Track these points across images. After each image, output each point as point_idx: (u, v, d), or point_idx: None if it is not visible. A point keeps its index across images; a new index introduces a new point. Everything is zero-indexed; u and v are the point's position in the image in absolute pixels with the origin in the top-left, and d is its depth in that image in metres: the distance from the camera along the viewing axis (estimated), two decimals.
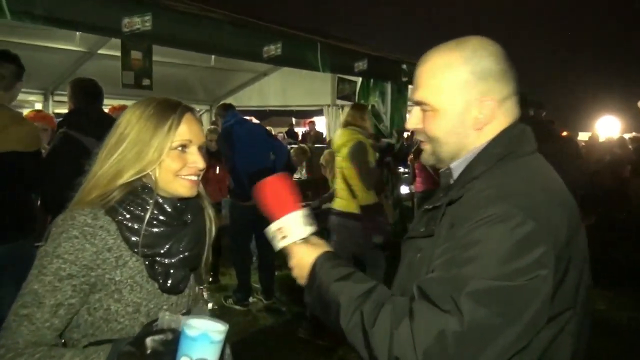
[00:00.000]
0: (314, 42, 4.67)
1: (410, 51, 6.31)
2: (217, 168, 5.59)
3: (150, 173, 1.23)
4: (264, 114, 12.03)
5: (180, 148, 1.25)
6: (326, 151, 5.81)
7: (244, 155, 4.55)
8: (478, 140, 1.13)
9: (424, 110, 1.16)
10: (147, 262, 1.23)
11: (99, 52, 6.46)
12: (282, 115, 14.30)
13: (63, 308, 1.13)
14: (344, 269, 1.12)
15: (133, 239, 1.20)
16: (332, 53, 4.85)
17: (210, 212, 1.40)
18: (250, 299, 4.86)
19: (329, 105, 9.07)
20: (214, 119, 6.64)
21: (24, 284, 1.14)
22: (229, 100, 9.72)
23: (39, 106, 7.70)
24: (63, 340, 1.20)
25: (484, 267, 0.94)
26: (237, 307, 4.76)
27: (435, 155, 1.19)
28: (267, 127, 5.62)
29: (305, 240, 1.21)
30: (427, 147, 1.20)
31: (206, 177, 5.56)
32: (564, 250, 0.99)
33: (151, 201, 1.22)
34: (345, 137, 3.98)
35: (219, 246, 5.40)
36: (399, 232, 5.84)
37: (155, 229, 1.22)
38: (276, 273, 5.04)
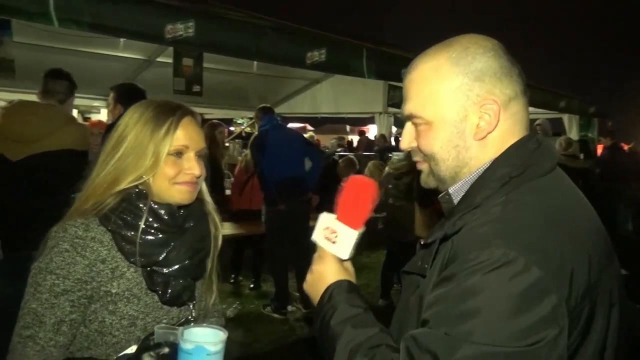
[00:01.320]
0: (359, 47, 4.61)
1: None
2: None
3: (146, 179, 1.20)
4: (317, 121, 12.11)
5: (176, 154, 1.21)
6: (370, 162, 5.70)
7: (274, 160, 4.58)
8: (483, 154, 0.96)
9: (416, 125, 1.02)
10: (145, 273, 1.19)
11: (157, 59, 6.76)
12: (335, 122, 14.34)
13: (65, 324, 1.11)
14: (353, 309, 1.01)
15: (128, 248, 1.16)
16: (379, 59, 4.76)
17: (215, 217, 1.35)
18: (289, 308, 4.83)
19: (380, 113, 8.99)
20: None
21: (22, 303, 1.13)
22: (282, 107, 9.90)
23: (104, 111, 8.16)
24: None
25: (477, 327, 0.78)
26: (275, 315, 4.74)
27: (435, 175, 1.02)
28: (320, 135, 5.63)
29: (341, 260, 1.12)
30: (424, 167, 1.04)
31: (252, 184, 5.65)
32: (584, 298, 0.83)
33: (145, 208, 1.18)
34: None
35: (261, 252, 5.45)
36: None
37: (150, 237, 1.18)
38: None
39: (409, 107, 1.02)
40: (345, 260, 1.12)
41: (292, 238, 4.62)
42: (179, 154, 1.21)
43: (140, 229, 1.17)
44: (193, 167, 1.22)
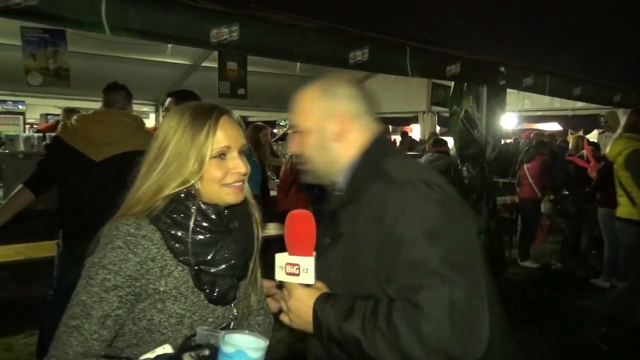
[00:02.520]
0: (402, 46, 4.55)
1: (509, 52, 5.92)
2: None
3: (193, 183, 1.21)
4: None
5: (219, 156, 1.22)
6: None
7: None
8: (347, 150, 1.32)
9: (295, 134, 1.38)
10: (192, 272, 1.20)
11: (202, 64, 6.91)
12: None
13: (110, 319, 1.13)
14: (343, 304, 1.17)
15: (177, 246, 1.18)
16: (423, 57, 4.68)
17: (257, 217, 1.36)
18: None
19: (424, 112, 8.87)
20: None
21: (73, 295, 1.15)
22: None
23: (152, 116, 8.43)
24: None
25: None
26: None
27: (313, 172, 1.38)
28: None
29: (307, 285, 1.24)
30: (303, 167, 1.39)
31: (298, 186, 5.68)
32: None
33: (194, 208, 1.20)
34: (621, 145, 4.11)
35: None
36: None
37: (199, 236, 1.19)
38: None
39: (292, 120, 1.40)
40: (311, 285, 1.23)
41: None
42: (222, 155, 1.22)
43: (190, 228, 1.18)
44: (238, 166, 1.24)
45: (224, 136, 1.22)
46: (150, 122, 8.07)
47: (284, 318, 1.27)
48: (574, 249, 6.62)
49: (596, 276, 6.04)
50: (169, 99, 3.27)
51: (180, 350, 1.09)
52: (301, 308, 1.22)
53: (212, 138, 1.20)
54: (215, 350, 1.07)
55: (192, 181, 1.20)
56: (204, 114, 1.22)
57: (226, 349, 1.04)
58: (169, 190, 1.20)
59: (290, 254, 1.22)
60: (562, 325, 4.69)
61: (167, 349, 1.14)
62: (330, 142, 1.32)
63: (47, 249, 3.83)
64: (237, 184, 1.24)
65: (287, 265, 1.21)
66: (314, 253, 1.22)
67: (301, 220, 1.21)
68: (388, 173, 1.22)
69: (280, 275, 1.23)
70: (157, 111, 8.32)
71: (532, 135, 9.51)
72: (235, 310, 1.31)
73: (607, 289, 5.72)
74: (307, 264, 1.20)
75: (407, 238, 1.11)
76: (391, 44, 4.56)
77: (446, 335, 1.02)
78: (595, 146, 6.84)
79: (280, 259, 1.23)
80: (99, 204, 2.45)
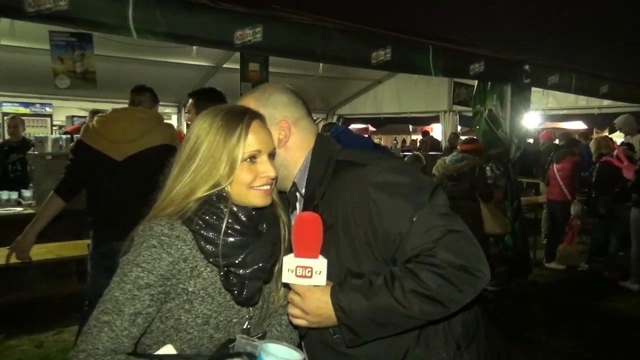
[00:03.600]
0: (425, 45, 4.51)
1: (533, 50, 5.82)
2: None
3: (224, 186, 1.22)
4: (379, 122, 11.98)
5: (250, 159, 1.23)
6: (438, 161, 5.56)
7: None
8: (292, 156, 1.39)
9: None
10: (222, 273, 1.21)
11: (224, 66, 6.97)
12: (398, 122, 14.14)
13: (141, 317, 1.14)
14: (358, 286, 1.22)
15: (208, 248, 1.19)
16: (446, 56, 4.64)
17: (285, 220, 1.37)
18: None
19: (445, 112, 8.78)
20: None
21: (106, 290, 1.17)
22: (344, 109, 9.89)
23: (174, 118, 8.54)
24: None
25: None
26: None
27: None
28: (380, 136, 5.57)
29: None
30: None
31: None
32: None
33: (226, 210, 1.21)
34: None
35: None
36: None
37: (231, 239, 1.21)
38: None
39: None
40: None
41: None
42: (252, 158, 1.23)
43: (222, 230, 1.19)
44: (268, 170, 1.24)
45: (255, 140, 1.23)
46: (172, 123, 8.18)
47: (299, 322, 1.26)
48: (602, 251, 6.47)
49: (624, 278, 5.90)
50: (190, 100, 3.31)
51: (219, 356, 1.11)
52: (320, 306, 1.22)
53: (243, 141, 1.21)
54: (253, 358, 1.09)
55: (224, 184, 1.22)
56: (236, 118, 1.24)
57: (267, 358, 1.07)
58: (201, 192, 1.21)
59: (298, 256, 1.21)
60: (588, 328, 4.60)
61: (169, 349, 1.16)
62: (277, 149, 1.36)
63: (77, 248, 3.92)
64: (265, 187, 1.25)
65: (298, 268, 1.20)
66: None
67: (311, 223, 1.21)
68: (352, 161, 1.32)
69: (289, 278, 1.22)
70: (179, 112, 8.43)
71: (556, 134, 9.31)
72: (253, 312, 1.31)
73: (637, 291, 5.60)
74: (321, 266, 1.21)
75: (411, 205, 1.22)
76: (414, 43, 4.53)
77: (471, 259, 1.19)
78: (629, 146, 6.66)
79: (289, 262, 1.21)
80: (125, 204, 2.51)
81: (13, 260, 2.93)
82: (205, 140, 1.22)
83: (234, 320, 1.25)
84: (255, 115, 1.27)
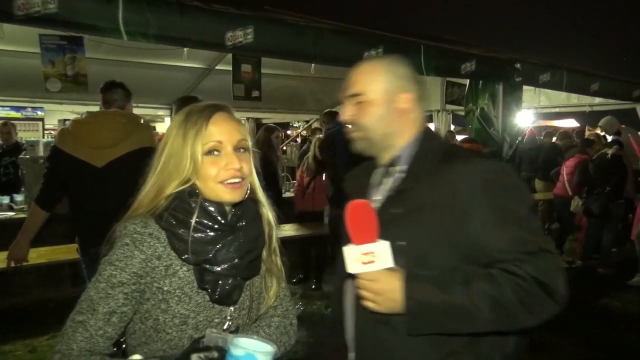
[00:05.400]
0: (416, 44, 4.54)
1: (525, 49, 5.85)
2: (324, 176, 5.66)
3: (193, 182, 1.21)
4: None
5: (212, 152, 1.20)
6: None
7: (346, 161, 4.54)
8: (408, 129, 1.38)
9: (357, 103, 1.38)
10: (196, 271, 1.19)
11: (217, 67, 6.94)
12: None
13: (116, 316, 1.13)
14: (434, 279, 1.21)
15: (179, 245, 1.17)
16: (437, 55, 4.66)
17: (270, 217, 1.34)
18: None
19: (438, 111, 8.78)
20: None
21: (83, 292, 1.16)
22: (338, 109, 9.86)
23: (167, 120, 8.50)
24: (124, 346, 1.23)
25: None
26: None
27: (366, 140, 1.40)
28: None
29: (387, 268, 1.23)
30: (358, 135, 1.41)
31: (314, 186, 5.69)
32: None
33: (195, 205, 1.19)
34: None
35: (324, 254, 5.46)
36: None
37: (200, 234, 1.17)
38: None
39: (355, 88, 1.39)
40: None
41: None
42: (215, 151, 1.20)
43: (192, 227, 1.17)
44: (231, 162, 1.20)
45: (216, 131, 1.20)
46: (164, 126, 8.14)
47: (369, 304, 1.25)
48: (596, 248, 6.51)
49: (618, 275, 5.94)
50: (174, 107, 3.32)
51: (188, 351, 1.09)
52: (391, 288, 1.21)
53: (202, 133, 1.19)
54: (223, 352, 1.07)
55: (193, 180, 1.20)
56: (196, 112, 1.22)
57: (236, 351, 1.04)
58: (170, 189, 1.20)
59: (358, 244, 1.20)
60: (583, 325, 4.62)
61: (136, 357, 1.14)
62: (394, 116, 1.36)
63: (69, 251, 3.90)
64: (233, 181, 1.21)
65: (362, 256, 1.20)
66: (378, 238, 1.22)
67: (363, 209, 1.22)
68: (461, 154, 1.34)
69: (355, 267, 1.22)
70: (171, 115, 8.40)
71: (557, 133, 9.34)
72: (232, 311, 1.28)
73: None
74: (383, 249, 1.20)
75: (516, 212, 1.23)
76: (405, 42, 4.55)
77: (557, 283, 1.18)
78: (619, 144, 6.71)
79: (352, 251, 1.21)
80: (109, 209, 2.50)
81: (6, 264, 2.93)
82: (169, 138, 1.22)
83: (216, 320, 1.23)
84: (220, 108, 1.24)
